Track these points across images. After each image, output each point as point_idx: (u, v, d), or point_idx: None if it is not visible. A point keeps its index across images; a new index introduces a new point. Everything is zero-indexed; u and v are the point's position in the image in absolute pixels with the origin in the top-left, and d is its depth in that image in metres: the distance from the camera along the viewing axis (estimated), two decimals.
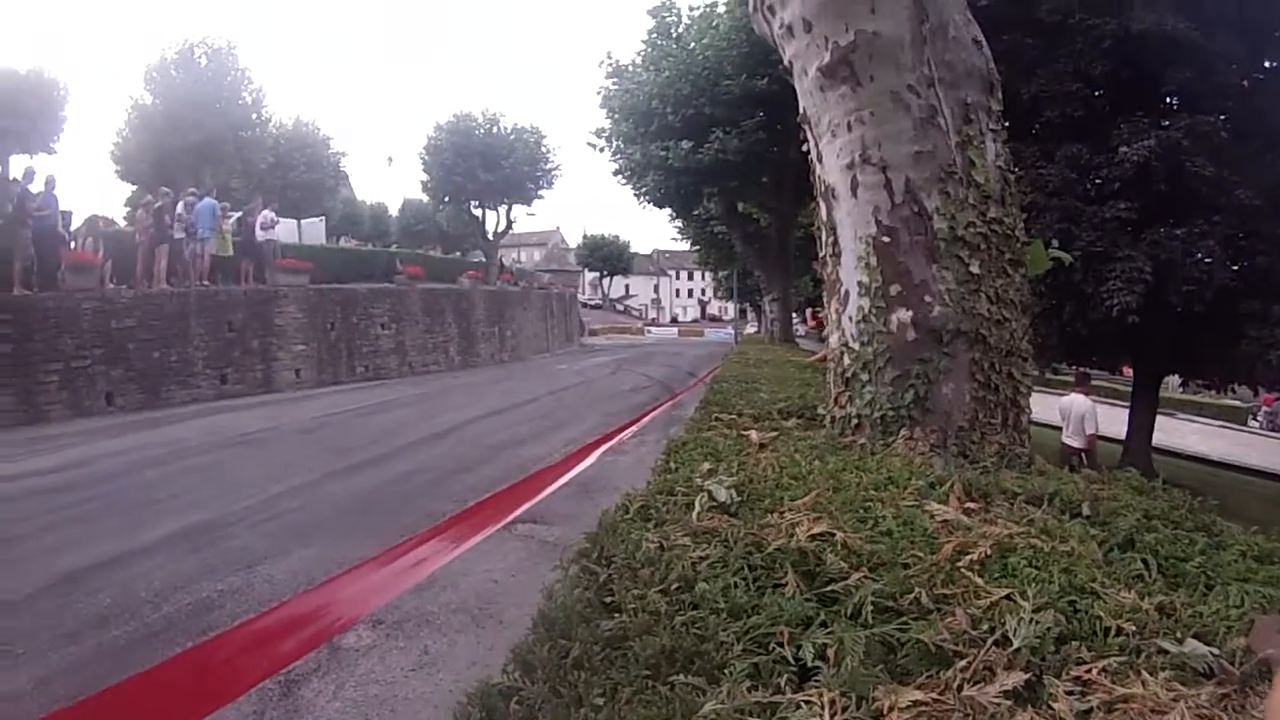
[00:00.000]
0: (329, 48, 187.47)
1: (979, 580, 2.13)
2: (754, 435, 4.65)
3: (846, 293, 4.91)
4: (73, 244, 15.09)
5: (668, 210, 35.67)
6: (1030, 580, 2.15)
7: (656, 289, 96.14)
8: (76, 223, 17.48)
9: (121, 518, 6.16)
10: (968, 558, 2.28)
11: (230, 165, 29.31)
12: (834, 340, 5.10)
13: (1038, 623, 1.85)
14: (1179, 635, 1.89)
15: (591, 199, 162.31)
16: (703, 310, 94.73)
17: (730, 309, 65.93)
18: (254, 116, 30.57)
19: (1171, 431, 21.76)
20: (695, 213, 34.88)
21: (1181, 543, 2.69)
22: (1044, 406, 12.31)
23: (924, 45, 4.54)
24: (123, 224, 26.61)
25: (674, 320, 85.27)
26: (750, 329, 55.70)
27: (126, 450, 9.17)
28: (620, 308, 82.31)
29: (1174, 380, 18.79)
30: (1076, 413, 10.15)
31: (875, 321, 4.62)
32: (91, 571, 4.80)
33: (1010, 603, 1.98)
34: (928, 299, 4.44)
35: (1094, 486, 3.52)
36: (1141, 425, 16.44)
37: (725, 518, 2.75)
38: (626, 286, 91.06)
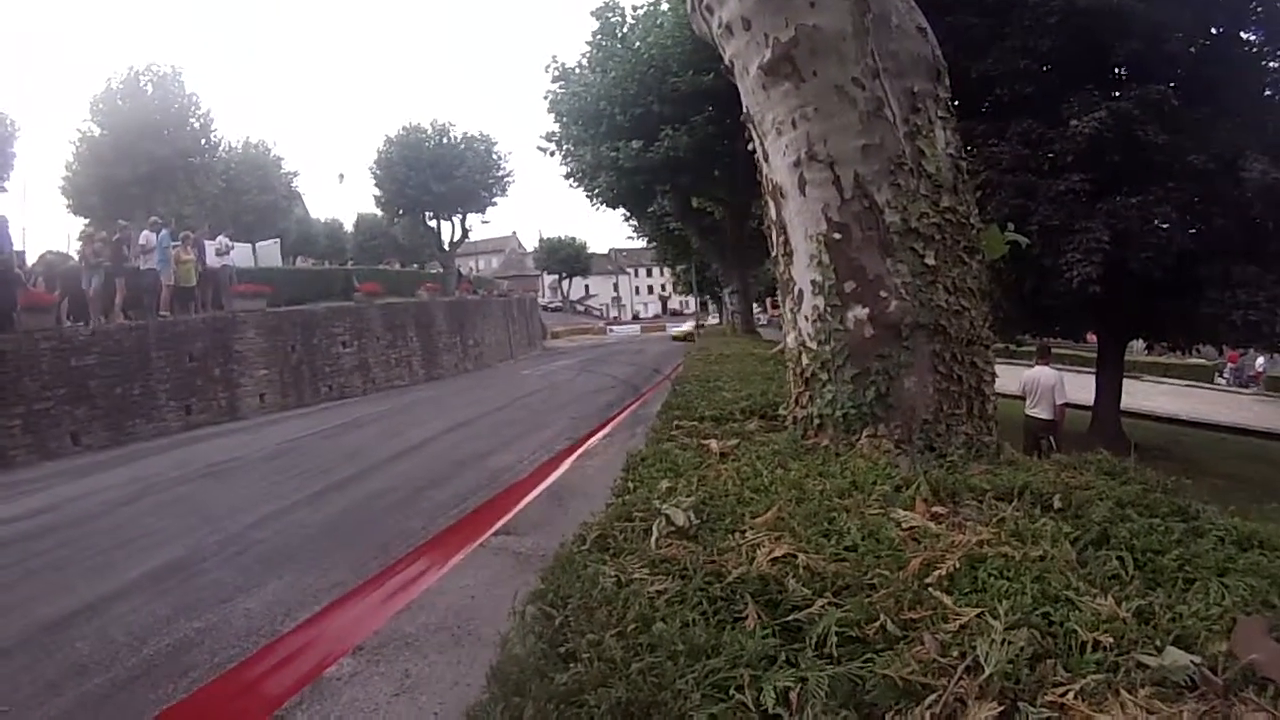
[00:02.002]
0: (275, 66, 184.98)
1: (947, 600, 2.03)
2: (714, 445, 4.55)
3: (801, 292, 4.82)
4: (28, 283, 14.79)
5: (622, 210, 35.62)
6: (1002, 594, 2.06)
7: (616, 288, 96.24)
8: (31, 260, 17.18)
9: (95, 561, 6.16)
10: (936, 573, 2.19)
11: (182, 192, 29.14)
12: (791, 340, 5.01)
13: (1010, 643, 1.76)
14: (1159, 644, 1.82)
15: (546, 202, 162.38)
16: (664, 306, 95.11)
17: (692, 302, 66.04)
18: (203, 141, 30.40)
19: (1139, 394, 22.22)
20: (650, 210, 34.89)
21: (1157, 533, 2.62)
22: (1009, 378, 12.45)
23: (867, 36, 4.45)
24: (76, 258, 26.21)
25: (636, 318, 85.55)
26: (712, 320, 55.91)
27: (95, 491, 9.17)
28: (581, 309, 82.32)
29: (1138, 343, 19.06)
30: (1044, 385, 10.26)
31: (831, 320, 4.53)
32: (69, 619, 4.79)
33: (981, 622, 1.90)
34: (883, 294, 4.37)
35: (1065, 475, 3.45)
36: (1108, 391, 16.70)
37: (684, 543, 2.64)
38: (586, 287, 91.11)
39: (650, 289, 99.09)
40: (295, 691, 3.39)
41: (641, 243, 57.20)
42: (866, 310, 4.41)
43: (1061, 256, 12.44)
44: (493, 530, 5.94)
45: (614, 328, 64.02)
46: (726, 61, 5.20)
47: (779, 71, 4.58)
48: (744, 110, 5.19)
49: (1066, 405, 10.42)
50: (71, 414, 12.88)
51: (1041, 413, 10.24)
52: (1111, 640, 1.82)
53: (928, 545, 2.45)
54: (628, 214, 39.19)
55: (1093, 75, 13.70)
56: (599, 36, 26.34)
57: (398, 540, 5.96)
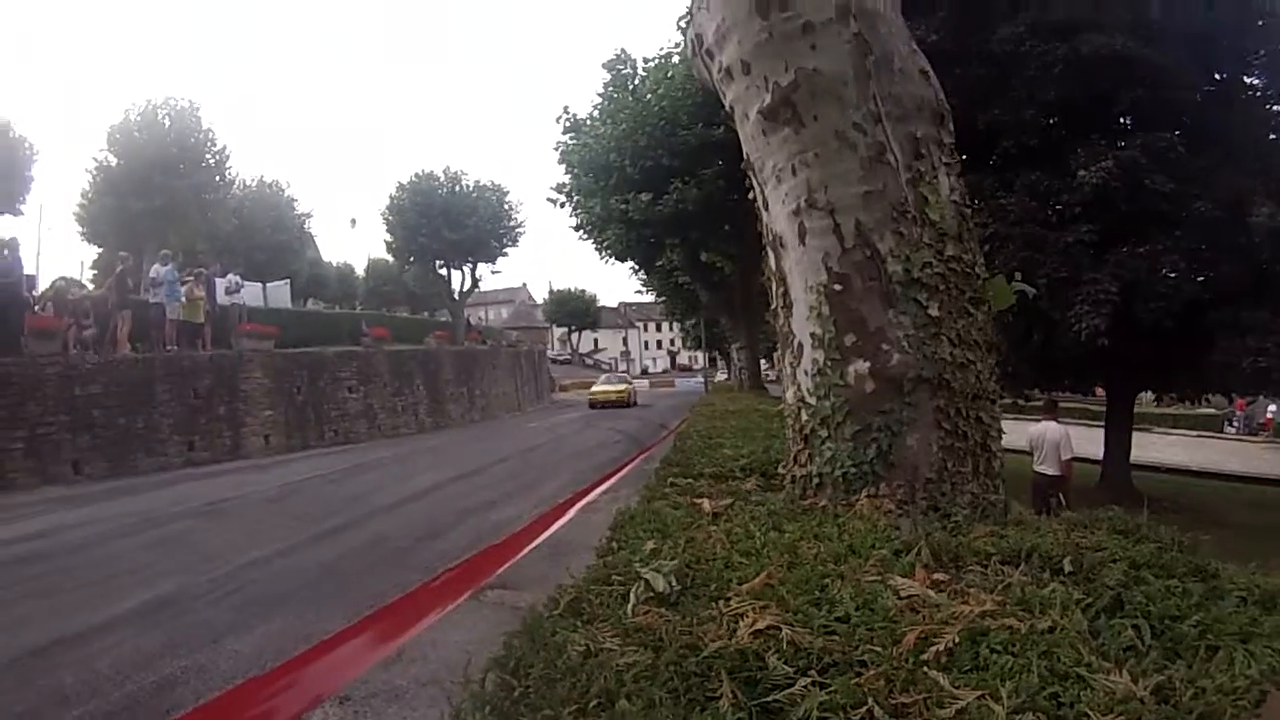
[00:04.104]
0: (292, 108, 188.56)
1: (944, 680, 1.82)
2: (706, 505, 4.34)
3: (800, 345, 4.66)
4: (37, 308, 14.82)
5: (631, 263, 35.72)
6: (1005, 673, 1.85)
7: (625, 341, 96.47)
8: (43, 286, 17.26)
9: (86, 591, 6.14)
10: (934, 649, 1.98)
11: (195, 227, 29.39)
12: (790, 395, 4.83)
13: None
14: None
15: (557, 254, 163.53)
16: (673, 360, 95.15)
17: (700, 358, 66.00)
18: (218, 178, 30.69)
19: (1149, 446, 21.99)
20: (659, 264, 34.97)
21: (1175, 596, 2.43)
22: (1018, 434, 12.23)
23: (868, 80, 4.35)
24: (90, 287, 26.34)
25: (644, 372, 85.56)
26: (721, 376, 55.84)
27: (92, 520, 9.18)
28: (590, 362, 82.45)
29: (1147, 395, 18.91)
30: (1050, 440, 10.09)
31: (831, 374, 4.36)
32: (54, 647, 4.76)
33: (982, 706, 1.69)
34: (885, 347, 4.20)
35: (1075, 535, 3.25)
36: (1118, 444, 16.55)
37: (662, 611, 2.44)
38: (595, 340, 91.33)
39: (659, 344, 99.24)
40: None
41: (651, 297, 57.48)
42: (868, 364, 4.24)
43: (1070, 309, 12.35)
44: (489, 582, 5.82)
45: None
46: (727, 107, 5.11)
47: (778, 116, 4.48)
48: (744, 158, 5.09)
49: (1074, 460, 10.22)
50: (73, 442, 12.86)
51: (1048, 469, 10.05)
52: None
53: (926, 616, 2.24)
54: (636, 267, 39.28)
55: (1098, 124, 13.76)
56: (610, 88, 26.59)
57: (394, 591, 5.86)
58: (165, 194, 27.33)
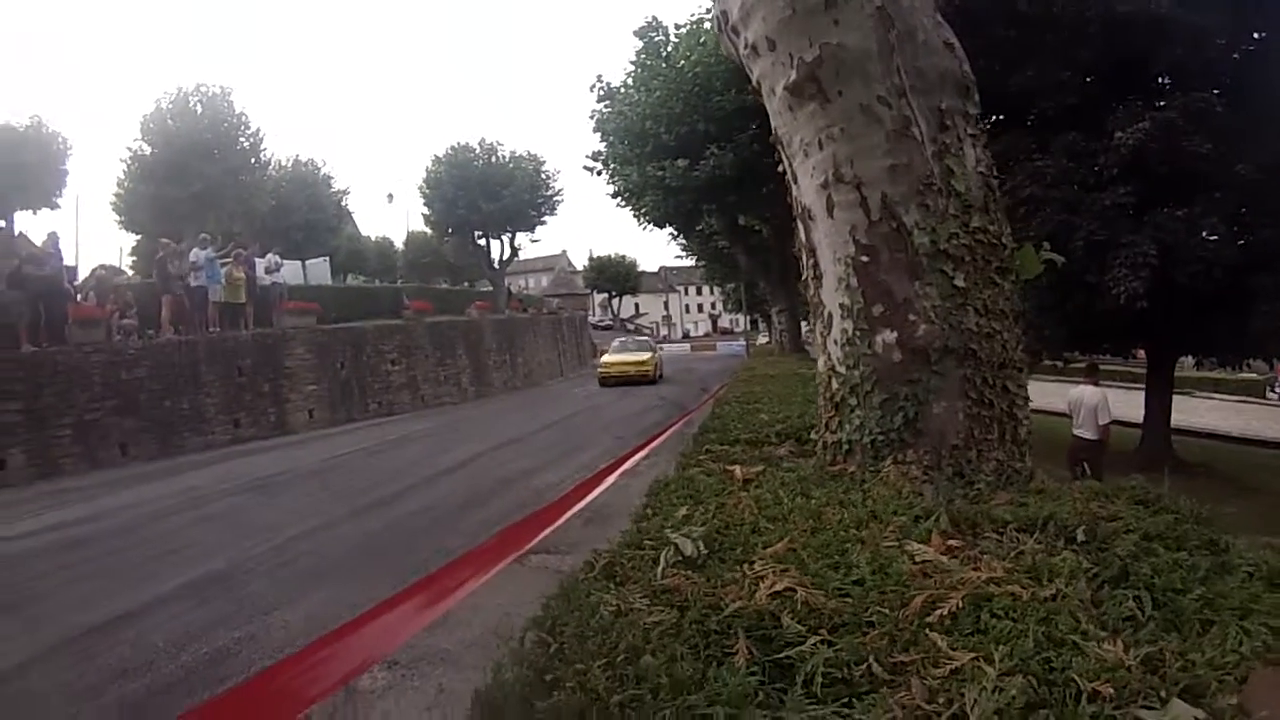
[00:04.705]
0: (324, 86, 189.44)
1: (942, 641, 1.95)
2: (738, 471, 4.48)
3: (830, 315, 4.76)
4: (79, 297, 15.18)
5: (669, 229, 35.60)
6: (1002, 637, 1.96)
7: (666, 306, 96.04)
8: (83, 275, 17.66)
9: (137, 570, 6.23)
10: (937, 612, 2.11)
11: (232, 210, 29.59)
12: (821, 364, 4.94)
13: (1002, 691, 1.67)
14: (1164, 695, 1.71)
15: (596, 220, 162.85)
16: (714, 324, 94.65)
17: (741, 321, 65.71)
18: (253, 160, 30.80)
19: (1189, 411, 21.54)
20: (697, 229, 34.78)
21: (1181, 569, 2.50)
22: (1060, 397, 12.16)
23: (892, 54, 4.38)
24: (130, 274, 26.92)
25: (686, 336, 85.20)
26: (762, 339, 55.55)
27: (141, 501, 9.29)
28: (631, 327, 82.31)
29: (1188, 359, 18.60)
30: (1088, 405, 9.99)
31: (860, 344, 4.46)
32: (109, 625, 4.85)
33: (975, 667, 1.81)
34: (912, 318, 4.28)
35: (1093, 505, 3.33)
36: (1157, 408, 16.27)
37: (689, 574, 2.59)
38: (636, 305, 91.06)
39: (700, 307, 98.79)
40: (325, 696, 3.42)
41: (691, 261, 57.17)
42: (895, 334, 4.33)
43: (1108, 273, 12.13)
44: (531, 547, 5.94)
45: (663, 346, 63.81)
46: (754, 83, 5.17)
47: (804, 92, 4.54)
48: (773, 132, 5.15)
49: (1112, 424, 10.13)
50: (120, 425, 13.15)
51: (1086, 433, 9.96)
52: (1113, 691, 1.72)
53: (938, 581, 2.36)
54: (675, 233, 39.20)
55: (1136, 85, 13.38)
56: (643, 55, 26.47)
57: (438, 558, 5.95)
58: (201, 179, 27.61)
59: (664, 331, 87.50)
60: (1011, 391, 4.34)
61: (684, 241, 44.02)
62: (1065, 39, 13.11)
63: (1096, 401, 9.88)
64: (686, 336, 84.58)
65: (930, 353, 4.21)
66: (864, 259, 4.45)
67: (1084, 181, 13.09)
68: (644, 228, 33.01)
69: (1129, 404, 15.64)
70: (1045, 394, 19.08)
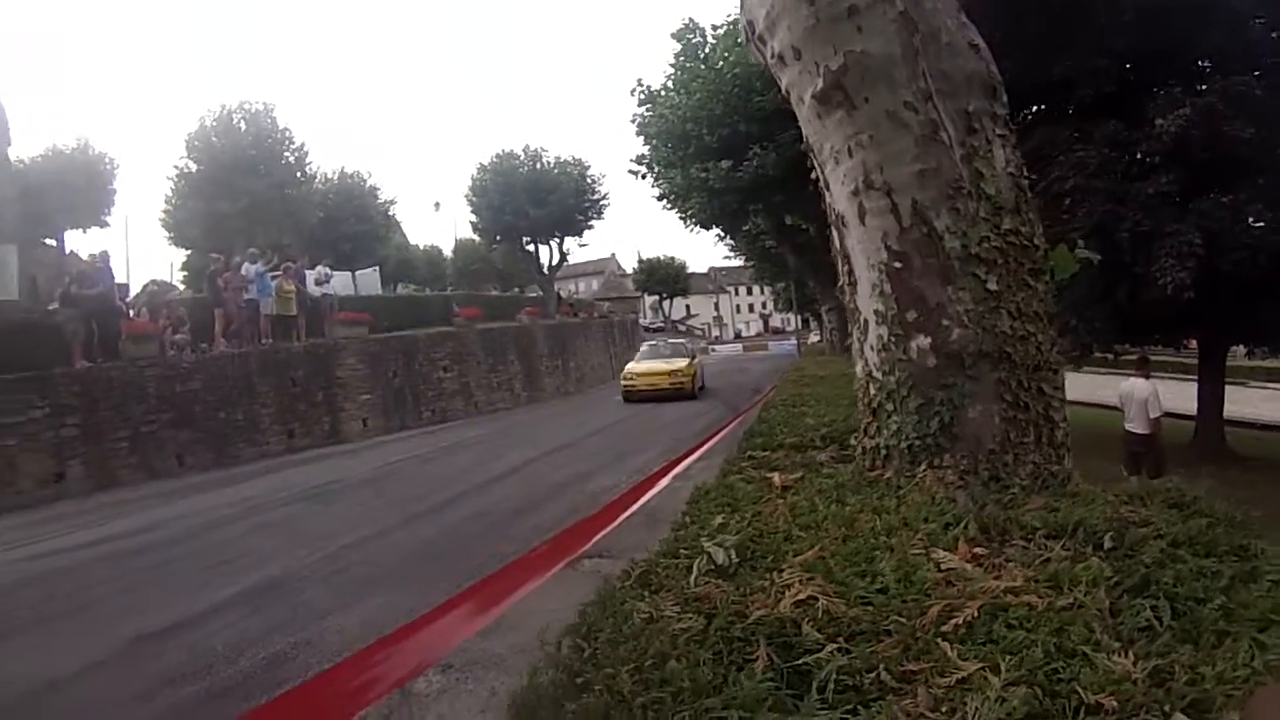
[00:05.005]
0: (369, 100, 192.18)
1: (951, 651, 2.01)
2: (776, 479, 4.55)
3: (866, 321, 4.80)
4: (131, 313, 15.67)
5: (716, 230, 35.54)
6: (1012, 647, 2.00)
7: (717, 306, 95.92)
8: (135, 291, 18.21)
9: (193, 578, 6.38)
10: (952, 621, 2.16)
11: (280, 223, 30.24)
12: (859, 369, 4.98)
13: (1005, 701, 1.72)
14: (1167, 709, 1.73)
15: (645, 222, 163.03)
16: (765, 324, 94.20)
17: (792, 320, 65.29)
18: (299, 174, 31.58)
19: (1243, 401, 20.86)
20: (744, 229, 34.66)
21: (1206, 578, 2.48)
22: (1110, 390, 11.93)
23: (917, 58, 4.40)
24: (181, 288, 27.69)
25: (738, 336, 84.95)
26: (814, 338, 55.19)
27: (197, 511, 9.50)
28: (682, 329, 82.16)
29: (1240, 348, 18.09)
30: (1138, 398, 9.88)
31: (895, 350, 4.49)
32: (167, 631, 4.98)
33: (980, 677, 1.86)
34: (945, 322, 4.30)
35: (1125, 509, 3.33)
36: (1210, 400, 15.89)
37: (719, 582, 2.68)
38: (687, 307, 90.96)
39: (751, 307, 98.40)
40: (380, 698, 3.49)
41: (739, 261, 57.02)
42: (929, 339, 4.35)
43: (1154, 263, 11.89)
44: (584, 551, 5.97)
45: (716, 347, 63.53)
46: (784, 91, 5.22)
47: (831, 100, 4.58)
48: (804, 139, 5.20)
49: (1164, 416, 9.96)
50: (176, 437, 13.60)
51: (1137, 427, 9.82)
52: (1116, 704, 1.74)
53: (959, 589, 2.41)
54: (722, 234, 39.12)
55: (1176, 70, 13.11)
56: (681, 58, 26.38)
57: (492, 563, 6.00)
58: (248, 194, 28.44)
59: (715, 332, 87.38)
60: (1047, 394, 4.33)
61: (731, 242, 43.87)
62: (1101, 26, 12.89)
63: (1146, 395, 9.75)
64: (738, 336, 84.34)
65: (964, 357, 4.23)
66: (896, 265, 4.48)
67: (1127, 171, 12.83)
68: (691, 230, 33.02)
69: (1181, 395, 15.26)
70: (1097, 387, 18.78)
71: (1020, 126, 15.00)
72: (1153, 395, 9.71)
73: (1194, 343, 17.46)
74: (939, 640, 2.08)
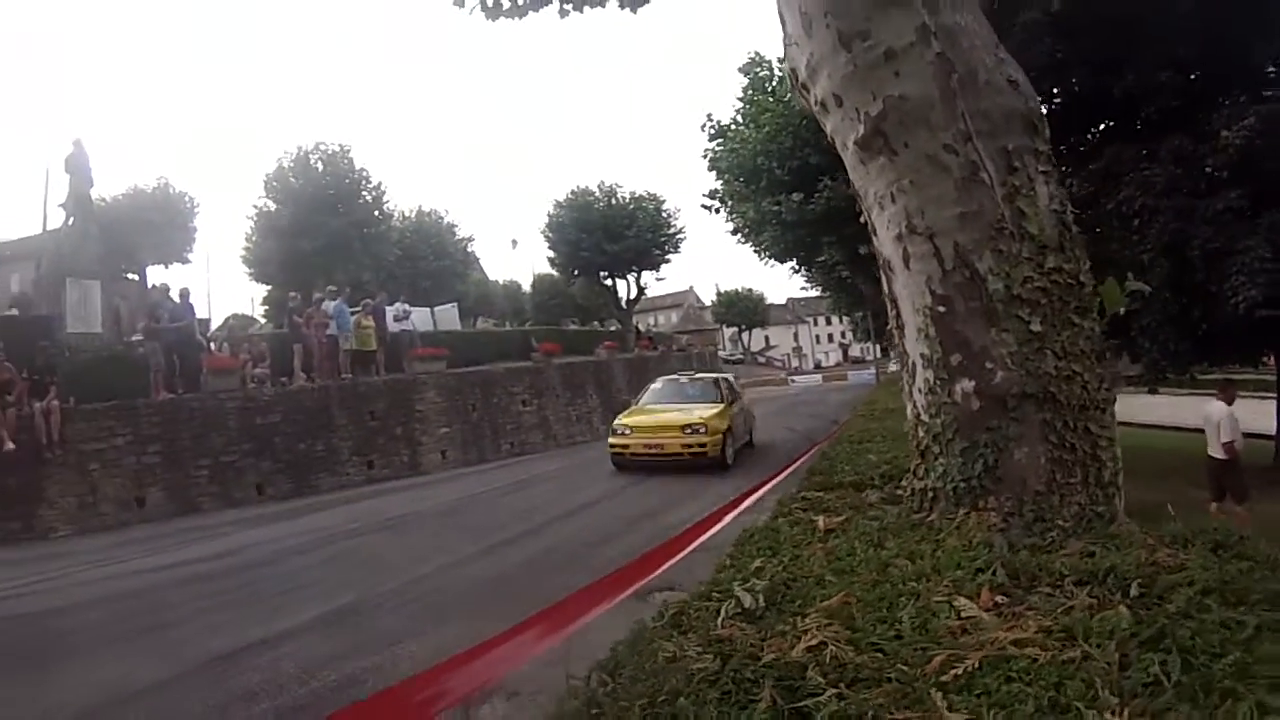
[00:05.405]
0: (447, 140, 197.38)
1: (940, 701, 2.07)
2: (821, 522, 4.60)
3: (914, 365, 4.84)
4: (212, 346, 16.41)
5: (791, 263, 35.40)
6: (1005, 699, 2.05)
7: (796, 337, 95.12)
8: (216, 325, 18.96)
9: (270, 602, 6.52)
10: (953, 671, 2.21)
11: (359, 261, 31.07)
12: (909, 412, 5.01)
13: None
14: None
15: (723, 255, 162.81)
16: (845, 353, 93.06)
17: (871, 349, 64.37)
18: (376, 213, 32.49)
19: None
20: (819, 260, 34.44)
21: (1229, 629, 2.43)
22: (1191, 412, 11.46)
23: (955, 99, 4.45)
24: (262, 322, 28.69)
25: (818, 366, 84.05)
26: (893, 367, 54.28)
27: (274, 538, 9.69)
28: (762, 360, 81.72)
29: None
30: (1212, 422, 9.58)
31: (940, 393, 4.51)
32: (242, 652, 5.12)
33: None
34: (989, 365, 4.32)
35: (1161, 553, 3.28)
36: None
37: (743, 626, 2.77)
38: (766, 338, 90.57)
39: (830, 337, 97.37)
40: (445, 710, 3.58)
41: (816, 292, 56.62)
42: (973, 383, 4.37)
43: (1226, 281, 11.45)
44: (653, 583, 5.96)
45: (795, 378, 62.66)
46: (829, 137, 5.32)
47: (872, 146, 4.67)
48: (850, 184, 5.29)
49: (1233, 443, 9.56)
50: (256, 466, 14.04)
51: (1216, 453, 9.53)
52: None
53: (971, 639, 2.46)
54: (797, 267, 38.96)
55: (1240, 79, 12.70)
56: (750, 91, 26.55)
57: (563, 595, 6.09)
58: (326, 233, 29.46)
59: (795, 363, 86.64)
60: (1094, 433, 4.28)
61: (807, 272, 43.64)
62: (1160, 38, 12.58)
63: (1220, 418, 9.46)
64: (818, 367, 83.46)
65: (1008, 399, 4.23)
66: (940, 309, 4.52)
67: (1195, 188, 12.44)
68: (765, 263, 32.90)
69: (1260, 414, 14.60)
70: (1177, 408, 17.99)
71: (1090, 145, 14.76)
72: (1225, 419, 9.40)
73: (1271, 360, 16.74)
74: (933, 690, 2.14)
